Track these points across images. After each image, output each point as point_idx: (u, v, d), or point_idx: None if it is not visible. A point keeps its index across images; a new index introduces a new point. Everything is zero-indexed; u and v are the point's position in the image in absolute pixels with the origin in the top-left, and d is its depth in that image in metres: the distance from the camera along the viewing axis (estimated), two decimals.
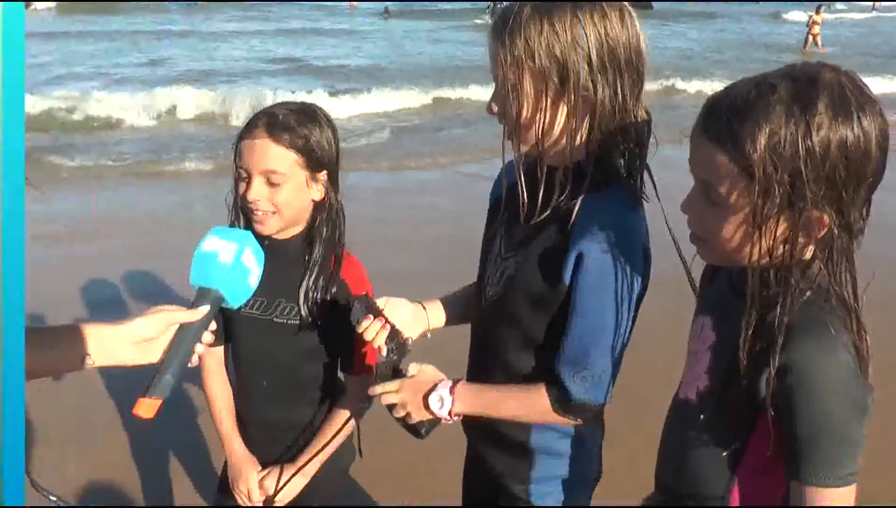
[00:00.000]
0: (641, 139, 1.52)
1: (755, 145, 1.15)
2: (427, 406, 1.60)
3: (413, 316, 1.76)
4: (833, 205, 1.17)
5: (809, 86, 1.15)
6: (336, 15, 35.42)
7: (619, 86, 1.45)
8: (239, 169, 1.83)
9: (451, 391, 1.60)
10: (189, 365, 1.49)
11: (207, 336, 1.51)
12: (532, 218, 1.53)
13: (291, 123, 1.80)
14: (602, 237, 1.47)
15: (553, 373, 1.55)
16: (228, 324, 1.98)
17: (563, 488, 1.71)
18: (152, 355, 1.45)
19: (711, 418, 1.35)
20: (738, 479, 1.34)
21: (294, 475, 1.96)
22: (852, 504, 1.20)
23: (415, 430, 1.66)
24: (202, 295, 1.52)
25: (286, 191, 1.80)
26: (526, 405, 1.60)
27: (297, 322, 1.88)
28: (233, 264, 1.52)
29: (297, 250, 1.90)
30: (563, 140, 1.48)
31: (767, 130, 1.14)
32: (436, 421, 1.64)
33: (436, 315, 1.84)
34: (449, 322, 1.87)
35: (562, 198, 1.51)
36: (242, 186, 1.82)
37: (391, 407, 1.65)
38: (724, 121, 1.19)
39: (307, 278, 1.87)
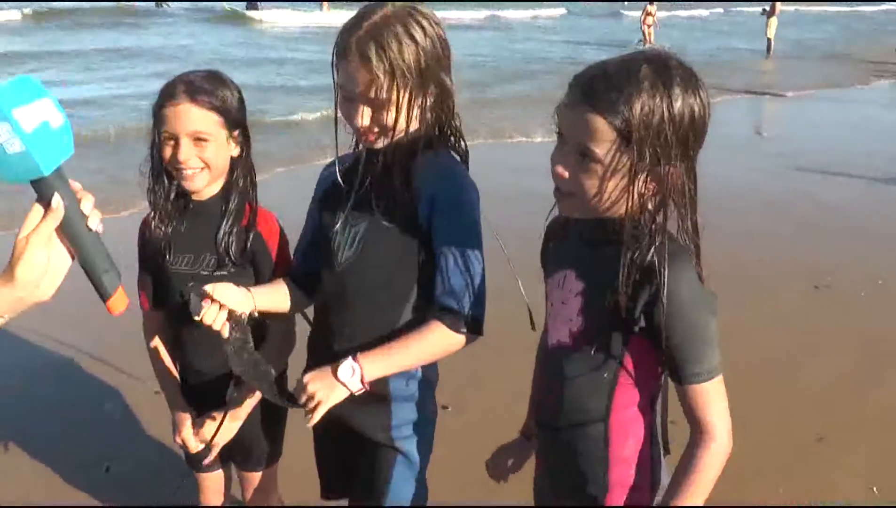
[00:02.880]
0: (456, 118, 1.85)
1: (632, 112, 1.39)
2: (339, 380, 1.69)
3: (241, 296, 1.85)
4: (684, 162, 1.46)
5: (665, 68, 1.43)
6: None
7: (449, 76, 1.79)
8: (163, 134, 2.00)
9: (356, 360, 1.71)
10: (100, 235, 1.31)
11: (87, 204, 1.27)
12: (381, 181, 1.78)
13: (207, 87, 2.00)
14: (446, 181, 1.78)
15: (440, 307, 1.76)
16: (162, 285, 2.16)
17: (417, 427, 1.92)
18: (57, 276, 1.27)
19: (591, 349, 1.56)
20: (615, 394, 1.56)
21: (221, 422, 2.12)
22: (723, 389, 1.49)
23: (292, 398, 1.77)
24: (39, 186, 1.24)
25: (211, 147, 2.01)
26: (429, 344, 1.76)
27: (222, 273, 2.07)
28: (28, 145, 1.17)
29: (217, 205, 2.09)
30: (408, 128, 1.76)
31: (640, 101, 1.40)
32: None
33: (263, 298, 1.92)
34: (280, 305, 1.99)
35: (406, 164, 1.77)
36: (168, 149, 2.00)
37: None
38: (602, 92, 1.42)
39: (224, 224, 2.07)
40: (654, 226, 1.47)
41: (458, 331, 1.75)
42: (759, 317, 4.77)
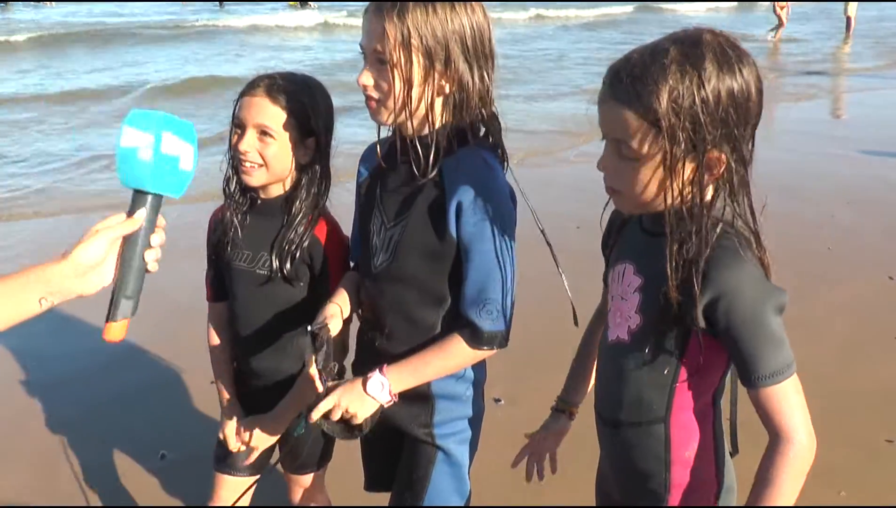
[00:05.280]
0: (497, 117, 1.77)
1: (659, 101, 1.33)
2: (369, 394, 1.72)
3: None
4: (729, 144, 1.37)
5: (694, 47, 1.35)
6: None
7: (484, 70, 1.70)
8: (235, 121, 2.02)
9: (383, 372, 1.73)
10: (147, 273, 1.45)
11: (157, 239, 1.45)
12: (414, 180, 1.73)
13: (288, 87, 2.00)
14: (473, 187, 1.69)
15: (460, 317, 1.74)
16: (223, 277, 2.19)
17: (461, 426, 1.91)
18: (107, 275, 1.41)
19: (650, 347, 1.51)
20: (676, 393, 1.51)
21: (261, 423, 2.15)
22: (798, 388, 1.41)
23: (353, 430, 1.76)
24: (137, 199, 1.44)
25: (274, 147, 1.99)
26: (448, 358, 1.76)
27: (278, 275, 2.07)
28: (154, 160, 1.41)
29: (281, 207, 2.09)
30: (432, 115, 1.69)
31: (667, 87, 1.33)
32: (374, 414, 1.76)
33: (345, 305, 1.92)
34: (354, 306, 1.97)
35: (436, 163, 1.71)
36: (235, 137, 2.02)
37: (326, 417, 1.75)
38: (628, 84, 1.36)
39: (281, 231, 2.05)
40: (703, 216, 1.39)
41: (476, 347, 1.74)
42: (827, 309, 4.60)
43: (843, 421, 3.48)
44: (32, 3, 33.39)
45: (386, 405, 1.75)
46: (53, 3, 33.64)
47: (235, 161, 2.04)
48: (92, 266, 1.37)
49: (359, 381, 1.74)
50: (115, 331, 1.44)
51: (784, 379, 1.40)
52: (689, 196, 1.40)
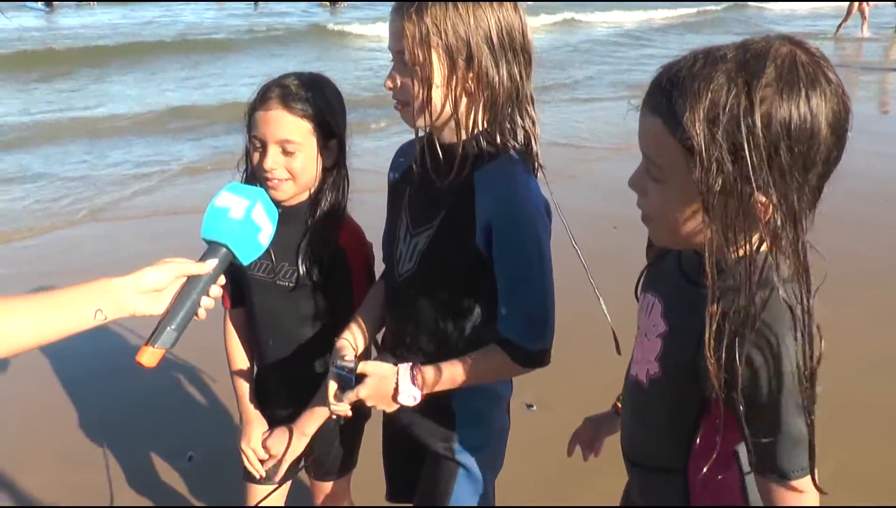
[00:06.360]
0: (532, 116, 1.67)
1: (693, 118, 1.08)
2: (398, 403, 1.65)
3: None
4: (777, 190, 1.10)
5: (759, 57, 1.09)
6: None
7: (514, 67, 1.60)
8: (253, 139, 1.93)
9: (415, 381, 1.64)
10: (195, 318, 1.51)
11: (216, 290, 1.54)
12: (442, 187, 1.66)
13: (303, 94, 1.89)
14: (505, 204, 1.62)
15: (501, 337, 1.66)
16: (241, 287, 2.13)
17: (483, 441, 1.85)
18: (162, 305, 1.47)
19: (665, 403, 1.36)
20: (693, 446, 1.34)
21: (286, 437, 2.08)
22: (811, 490, 1.21)
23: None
24: (212, 250, 1.54)
25: (300, 159, 1.91)
26: (488, 374, 1.71)
27: (299, 285, 2.01)
28: (242, 221, 1.56)
29: (303, 215, 2.00)
30: (458, 116, 1.62)
31: (707, 100, 1.08)
32: None
33: (359, 339, 1.85)
34: (374, 332, 1.91)
35: (464, 171, 1.64)
36: (256, 155, 1.93)
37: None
38: (664, 90, 1.13)
39: (305, 238, 1.98)
40: (749, 273, 1.13)
41: (518, 363, 1.68)
42: (870, 314, 4.45)
43: (873, 429, 3.39)
44: (74, 3, 33.69)
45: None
46: (95, 3, 33.89)
47: (259, 178, 1.95)
48: (153, 289, 1.44)
49: (391, 385, 1.65)
50: (150, 356, 1.48)
51: (797, 478, 1.20)
52: (732, 243, 1.14)
